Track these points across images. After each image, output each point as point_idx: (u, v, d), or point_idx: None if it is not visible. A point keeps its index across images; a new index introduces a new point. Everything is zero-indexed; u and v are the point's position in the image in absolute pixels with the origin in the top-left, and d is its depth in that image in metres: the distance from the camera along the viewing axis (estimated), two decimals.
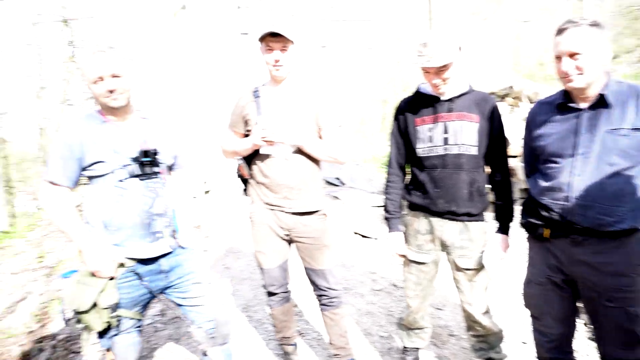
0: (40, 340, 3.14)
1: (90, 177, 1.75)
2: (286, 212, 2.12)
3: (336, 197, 6.93)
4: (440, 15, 8.12)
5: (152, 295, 1.91)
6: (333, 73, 15.24)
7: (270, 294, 2.32)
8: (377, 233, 5.02)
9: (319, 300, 2.30)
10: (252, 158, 2.17)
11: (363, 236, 5.09)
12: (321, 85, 2.22)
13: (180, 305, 2.01)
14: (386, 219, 2.22)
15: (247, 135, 2.17)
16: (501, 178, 2.05)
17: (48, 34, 15.94)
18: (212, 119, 8.71)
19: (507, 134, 2.04)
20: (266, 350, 2.75)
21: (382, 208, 2.29)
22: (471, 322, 2.13)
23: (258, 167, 2.13)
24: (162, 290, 1.95)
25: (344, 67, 15.96)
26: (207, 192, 7.30)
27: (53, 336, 3.16)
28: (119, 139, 1.74)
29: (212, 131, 8.30)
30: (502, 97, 6.47)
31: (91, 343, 1.87)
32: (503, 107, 6.12)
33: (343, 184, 8.12)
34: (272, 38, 1.97)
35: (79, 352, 2.91)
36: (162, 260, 1.87)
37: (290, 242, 2.25)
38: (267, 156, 2.07)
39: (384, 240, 4.73)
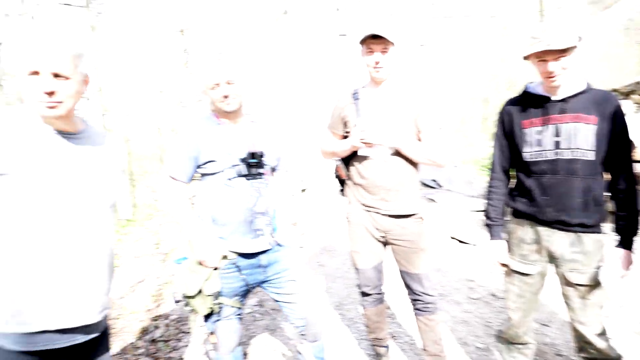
0: (156, 318, 3.53)
1: (203, 175, 1.92)
2: (383, 214, 2.13)
3: (432, 200, 6.73)
4: (553, 5, 7.42)
5: (250, 287, 2.04)
6: (432, 72, 14.75)
7: (364, 294, 2.34)
8: (476, 239, 4.77)
9: (413, 305, 2.26)
10: (350, 159, 2.21)
11: (460, 241, 4.88)
12: (421, 87, 2.19)
13: (275, 300, 2.13)
14: (487, 225, 2.10)
15: (345, 137, 2.21)
16: (625, 186, 1.82)
17: (167, 43, 17.79)
18: (310, 119, 9.00)
19: (631, 136, 1.81)
20: (358, 349, 2.78)
21: (483, 213, 2.17)
22: (583, 344, 1.92)
23: (356, 168, 2.17)
24: (260, 284, 2.07)
25: (443, 66, 15.35)
26: (303, 190, 7.57)
27: (166, 315, 3.54)
28: (230, 140, 1.89)
29: (310, 131, 8.58)
30: (627, 95, 5.73)
31: (198, 325, 2.06)
32: (627, 106, 5.42)
33: (440, 186, 7.85)
34: (372, 40, 1.98)
35: (187, 332, 3.23)
36: (261, 256, 1.97)
37: (385, 244, 2.25)
38: (365, 158, 2.10)
39: (484, 247, 4.49)
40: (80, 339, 1.36)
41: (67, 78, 1.26)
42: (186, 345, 3.01)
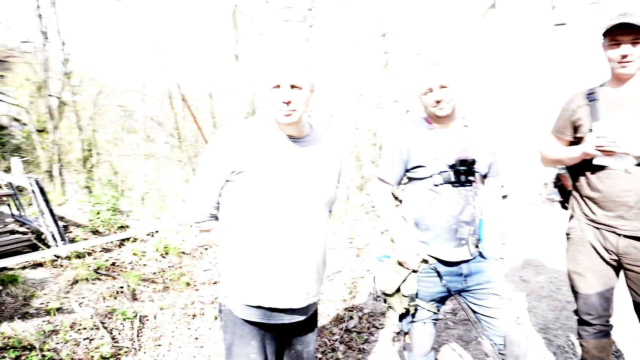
0: (351, 309, 3.73)
1: (410, 179, 1.93)
2: (618, 234, 1.77)
3: None
4: None
5: (449, 294, 1.96)
6: None
7: (585, 322, 1.98)
8: None
9: None
10: (578, 168, 1.90)
11: None
12: None
13: (474, 311, 1.99)
14: None
15: (574, 143, 1.93)
16: None
17: (367, 47, 18.73)
18: (515, 120, 8.19)
19: None
20: None
21: None
22: None
23: (586, 178, 1.85)
24: (459, 292, 1.96)
25: None
26: (504, 197, 6.94)
27: (360, 308, 3.71)
28: (441, 146, 1.84)
29: (517, 134, 7.83)
30: None
31: (393, 323, 2.08)
32: None
33: None
34: (620, 30, 1.68)
35: (379, 327, 3.32)
36: (462, 265, 1.88)
37: (618, 268, 1.86)
38: (600, 167, 1.77)
39: None
40: (300, 318, 1.58)
41: (300, 88, 1.43)
42: (377, 340, 3.10)
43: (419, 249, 1.87)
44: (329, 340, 3.23)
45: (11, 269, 3.53)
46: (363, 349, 3.01)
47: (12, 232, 3.98)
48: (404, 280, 1.86)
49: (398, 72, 18.68)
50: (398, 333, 3.12)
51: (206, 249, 5.20)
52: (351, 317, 3.55)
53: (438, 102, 1.77)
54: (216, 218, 1.63)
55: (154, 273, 4.32)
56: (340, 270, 5.06)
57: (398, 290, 1.89)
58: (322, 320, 3.64)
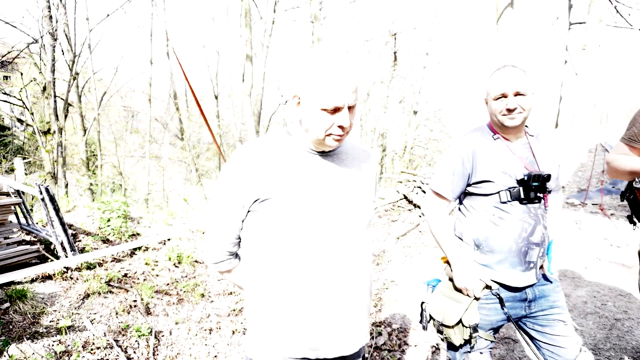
0: (378, 324, 3.53)
1: (469, 194, 1.73)
2: None
3: None
4: None
5: (508, 321, 1.77)
6: None
7: None
8: None
9: None
10: None
11: None
12: None
13: (534, 338, 1.79)
14: None
15: None
16: None
17: (376, 48, 18.57)
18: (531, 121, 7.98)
19: None
20: None
21: None
22: None
23: None
24: (520, 318, 1.77)
25: None
26: None
27: (388, 323, 3.50)
28: (509, 159, 1.64)
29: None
30: None
31: (445, 353, 1.89)
32: None
33: None
34: None
35: (409, 345, 3.12)
36: (527, 289, 1.69)
37: None
38: None
39: None
40: None
41: (354, 107, 1.17)
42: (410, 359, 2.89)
43: (480, 273, 1.67)
44: None
45: (19, 282, 3.34)
46: None
47: (20, 242, 3.78)
48: (466, 310, 1.66)
49: (405, 72, 18.50)
50: (434, 352, 2.91)
51: None
52: (380, 334, 3.34)
53: (510, 110, 1.56)
54: (237, 256, 1.38)
55: (168, 284, 4.12)
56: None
57: (460, 321, 1.69)
58: None
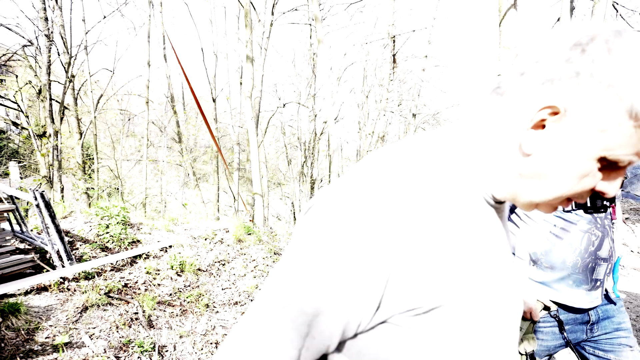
0: None
1: None
2: None
3: None
4: None
5: (567, 346, 1.59)
6: None
7: None
8: None
9: None
10: None
11: None
12: None
13: None
14: None
15: None
16: None
17: (374, 51, 18.47)
18: None
19: None
20: None
21: None
22: None
23: None
24: (580, 342, 1.59)
25: None
26: None
27: None
28: None
29: None
30: None
31: None
32: None
33: None
34: None
35: None
36: (591, 311, 1.52)
37: None
38: None
39: None
40: None
41: None
42: None
43: (538, 292, 1.49)
44: None
45: (12, 295, 3.13)
46: None
47: (14, 251, 3.57)
48: (522, 336, 1.48)
49: (404, 74, 18.41)
50: None
51: (223, 264, 4.81)
52: None
53: None
54: None
55: (170, 294, 3.92)
56: None
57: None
58: None
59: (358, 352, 0.59)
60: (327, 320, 0.54)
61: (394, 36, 16.10)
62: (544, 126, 0.53)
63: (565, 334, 1.51)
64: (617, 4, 10.49)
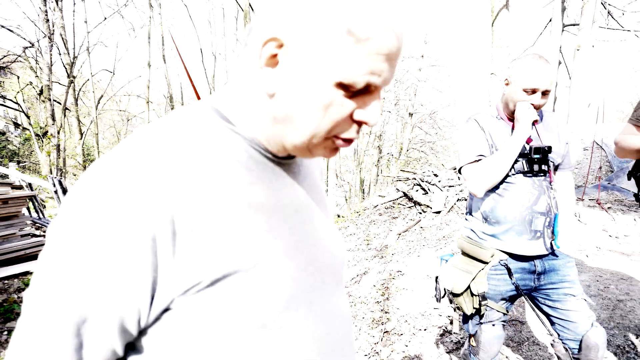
0: (386, 311, 3.61)
1: None
2: None
3: None
4: None
5: (518, 293, 1.84)
6: None
7: None
8: None
9: None
10: None
11: None
12: None
13: (545, 313, 1.86)
14: None
15: None
16: None
17: None
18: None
19: None
20: None
21: None
22: None
23: None
24: (530, 291, 1.85)
25: None
26: None
27: (396, 309, 3.58)
28: (511, 134, 1.74)
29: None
30: None
31: (459, 326, 1.96)
32: None
33: None
34: None
35: (420, 329, 3.20)
36: (536, 261, 1.77)
37: None
38: None
39: None
40: None
41: None
42: (421, 343, 2.97)
43: (491, 244, 1.76)
44: (369, 343, 3.10)
45: (32, 272, 3.38)
46: (408, 352, 2.89)
47: (31, 235, 3.83)
48: (473, 279, 1.75)
49: (401, 74, 18.69)
50: (442, 335, 3.00)
51: None
52: (388, 319, 3.42)
53: (535, 107, 1.64)
54: None
55: None
56: (365, 272, 4.94)
57: (467, 289, 1.77)
58: (359, 322, 3.52)
59: (154, 349, 0.53)
60: (96, 324, 0.48)
61: None
62: (277, 62, 0.52)
63: (513, 279, 1.76)
64: (607, 3, 10.78)
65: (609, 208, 5.71)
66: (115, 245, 0.45)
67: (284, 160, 0.63)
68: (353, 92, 0.53)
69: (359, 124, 0.56)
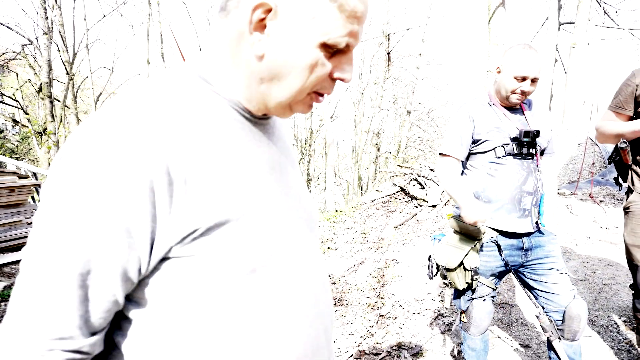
0: (382, 296, 3.73)
1: (471, 154, 1.92)
2: None
3: None
4: None
5: (507, 269, 1.95)
6: None
7: None
8: None
9: None
10: None
11: None
12: None
13: (531, 287, 1.98)
14: None
15: (633, 118, 1.97)
16: None
17: (369, 49, 18.81)
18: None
19: None
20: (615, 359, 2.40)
21: None
22: None
23: None
24: (517, 267, 1.96)
25: None
26: None
27: (391, 295, 3.70)
28: (503, 120, 1.84)
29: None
30: None
31: (450, 302, 2.07)
32: None
33: None
34: None
35: (414, 313, 3.32)
36: (524, 238, 1.88)
37: None
38: None
39: None
40: None
41: None
42: (415, 325, 3.08)
43: (484, 209, 1.86)
44: (364, 326, 3.22)
45: None
46: (402, 334, 3.00)
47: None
48: (466, 255, 1.86)
49: (399, 72, 18.81)
50: (435, 318, 3.11)
51: None
52: (383, 304, 3.54)
53: (525, 94, 1.76)
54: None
55: None
56: (362, 262, 5.05)
57: (460, 264, 1.88)
58: (355, 307, 3.63)
59: (153, 299, 0.56)
60: (101, 273, 0.50)
61: (389, 34, 16.46)
62: (265, 26, 0.57)
63: (503, 255, 1.87)
64: (602, 1, 10.89)
65: (601, 201, 5.83)
66: (116, 195, 0.48)
67: (260, 121, 0.68)
68: (331, 53, 0.59)
69: (336, 81, 0.64)
